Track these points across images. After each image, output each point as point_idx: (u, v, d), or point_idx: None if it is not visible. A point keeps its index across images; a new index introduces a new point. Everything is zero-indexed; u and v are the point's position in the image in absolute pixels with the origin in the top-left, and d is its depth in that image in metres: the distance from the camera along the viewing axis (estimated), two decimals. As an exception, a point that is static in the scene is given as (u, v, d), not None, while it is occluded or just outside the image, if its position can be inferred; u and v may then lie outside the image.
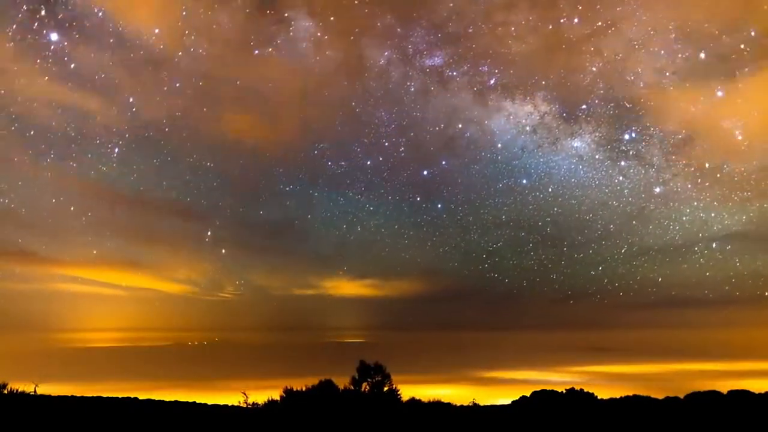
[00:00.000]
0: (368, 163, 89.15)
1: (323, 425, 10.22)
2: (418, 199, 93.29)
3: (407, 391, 13.04)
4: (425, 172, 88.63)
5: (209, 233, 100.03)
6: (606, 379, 57.20)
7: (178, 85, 74.36)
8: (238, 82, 74.29)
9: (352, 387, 12.11)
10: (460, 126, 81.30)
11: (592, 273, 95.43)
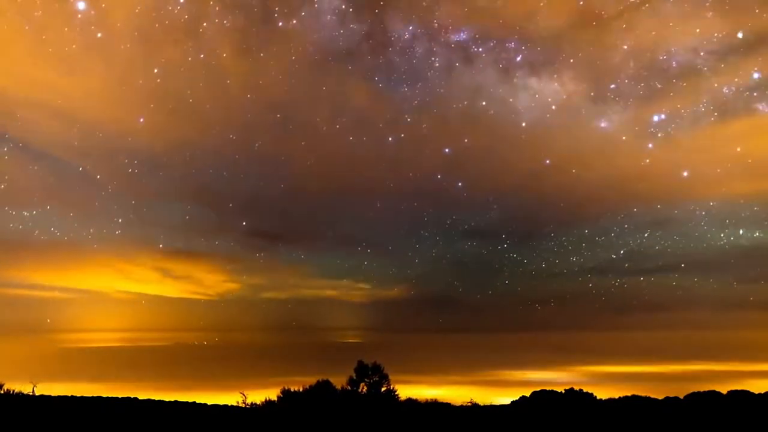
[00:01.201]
0: (390, 139, 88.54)
1: (320, 425, 10.26)
2: (439, 176, 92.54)
3: (410, 392, 13.07)
4: (447, 150, 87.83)
5: (230, 205, 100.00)
6: (606, 379, 57.17)
7: (202, 56, 73.82)
8: (261, 54, 73.49)
9: (349, 387, 12.14)
10: (484, 103, 79.86)
11: (613, 256, 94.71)
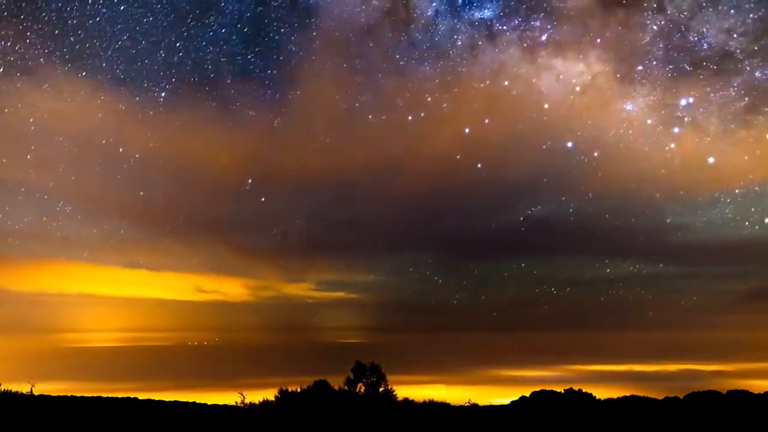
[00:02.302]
0: (409, 118, 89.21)
1: (317, 426, 10.31)
2: (458, 157, 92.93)
3: (411, 392, 13.10)
4: (467, 130, 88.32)
5: (250, 181, 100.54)
6: (606, 379, 57.24)
7: (223, 31, 74.82)
8: (282, 30, 74.49)
9: (346, 387, 12.18)
10: (506, 83, 79.66)
11: (632, 243, 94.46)
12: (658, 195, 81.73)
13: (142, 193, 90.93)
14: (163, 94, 79.00)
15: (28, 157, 75.08)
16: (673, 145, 75.08)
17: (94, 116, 77.13)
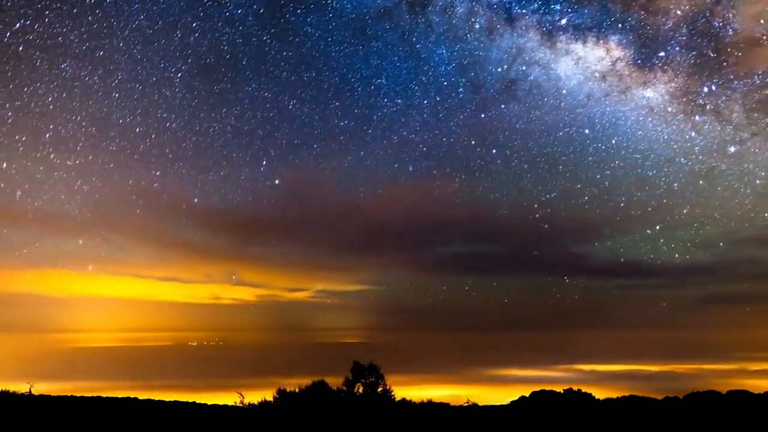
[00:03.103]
0: (425, 102, 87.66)
1: (315, 426, 10.37)
2: (473, 142, 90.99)
3: (412, 393, 13.12)
4: (483, 115, 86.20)
5: (265, 162, 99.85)
6: (606, 379, 57.21)
7: (239, 12, 73.77)
8: (298, 11, 73.21)
9: (344, 388, 12.22)
10: (524, 68, 77.95)
11: (648, 231, 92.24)
12: (676, 185, 79.73)
13: (157, 173, 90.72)
14: (179, 75, 78.30)
15: (47, 135, 75.05)
16: (693, 134, 72.95)
17: (111, 95, 76.99)
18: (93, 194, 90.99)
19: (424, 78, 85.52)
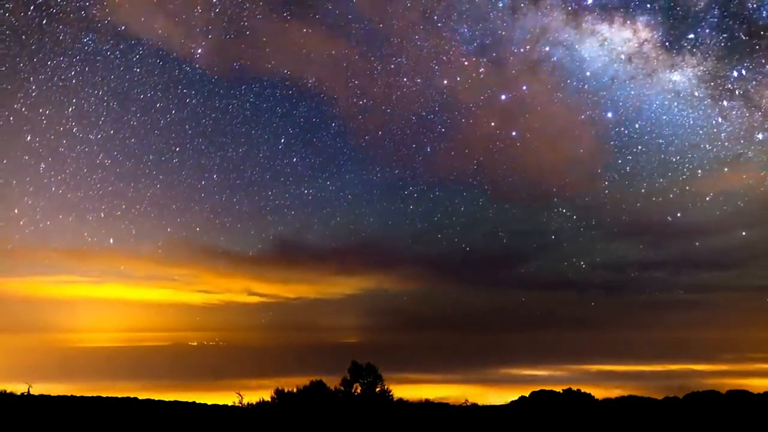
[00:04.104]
0: (444, 82, 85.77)
1: (312, 426, 10.41)
2: (493, 124, 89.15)
3: (406, 392, 13.15)
4: (503, 97, 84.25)
5: (283, 140, 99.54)
6: (606, 379, 57.23)
7: None
8: None
9: (342, 388, 12.26)
10: (547, 49, 75.76)
11: (669, 219, 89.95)
12: (700, 172, 78.44)
13: (177, 149, 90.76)
14: (199, 51, 77.91)
15: (70, 109, 75.46)
16: (720, 119, 71.51)
17: (132, 70, 77.21)
18: (114, 168, 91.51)
19: (444, 57, 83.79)
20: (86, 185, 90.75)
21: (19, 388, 13.44)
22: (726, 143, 71.32)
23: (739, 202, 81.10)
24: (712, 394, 12.64)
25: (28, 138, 79.65)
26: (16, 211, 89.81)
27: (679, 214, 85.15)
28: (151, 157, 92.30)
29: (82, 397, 13.36)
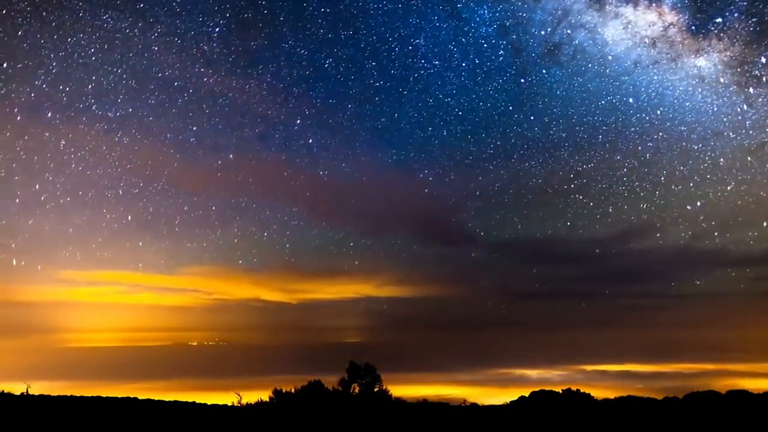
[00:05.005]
0: (463, 65, 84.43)
1: (311, 426, 10.42)
2: (511, 108, 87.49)
3: (406, 392, 13.16)
4: (522, 80, 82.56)
5: (299, 120, 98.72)
6: (606, 379, 57.23)
7: None
8: None
9: (340, 388, 12.28)
10: (568, 32, 73.81)
11: (688, 207, 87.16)
12: (722, 161, 76.30)
13: (194, 128, 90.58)
14: (217, 30, 77.90)
15: (90, 87, 75.63)
16: (745, 107, 69.08)
17: (150, 48, 77.18)
18: (132, 146, 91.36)
19: (463, 39, 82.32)
20: (105, 161, 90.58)
21: (18, 388, 13.46)
22: (751, 131, 69.27)
23: (761, 192, 78.96)
24: (711, 394, 12.65)
25: (49, 115, 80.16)
26: (37, 186, 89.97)
27: (698, 203, 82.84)
28: (169, 135, 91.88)
29: (81, 397, 13.37)
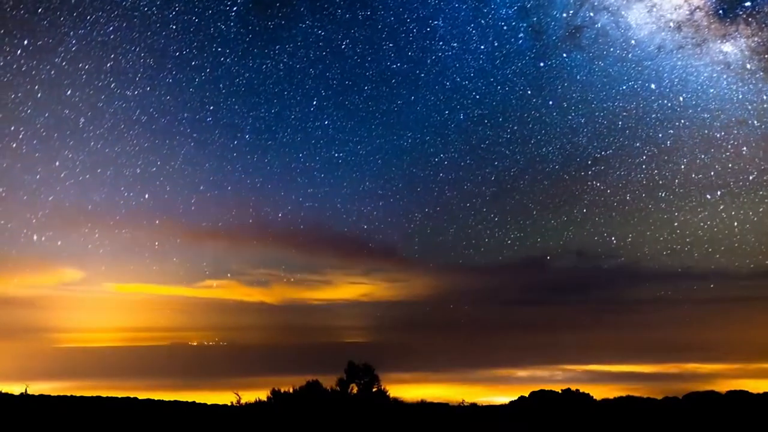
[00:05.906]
0: (482, 47, 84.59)
1: (309, 426, 10.43)
2: (529, 92, 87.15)
3: (406, 392, 13.15)
4: (542, 64, 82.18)
5: (315, 102, 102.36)
6: (605, 379, 57.26)
7: None
8: None
9: (338, 388, 12.29)
10: (591, 15, 73.13)
11: (708, 196, 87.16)
12: (745, 150, 76.31)
13: (211, 108, 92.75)
14: (234, 9, 80.00)
15: (108, 65, 77.60)
16: None
17: (168, 27, 79.33)
18: (150, 125, 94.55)
19: (483, 21, 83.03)
20: (124, 140, 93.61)
21: (16, 388, 13.46)
22: (775, 122, 69.41)
23: (783, 186, 79.46)
24: (711, 395, 12.66)
25: (68, 92, 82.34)
26: (57, 163, 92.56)
27: (719, 193, 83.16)
28: (186, 114, 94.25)
29: (81, 397, 13.38)
